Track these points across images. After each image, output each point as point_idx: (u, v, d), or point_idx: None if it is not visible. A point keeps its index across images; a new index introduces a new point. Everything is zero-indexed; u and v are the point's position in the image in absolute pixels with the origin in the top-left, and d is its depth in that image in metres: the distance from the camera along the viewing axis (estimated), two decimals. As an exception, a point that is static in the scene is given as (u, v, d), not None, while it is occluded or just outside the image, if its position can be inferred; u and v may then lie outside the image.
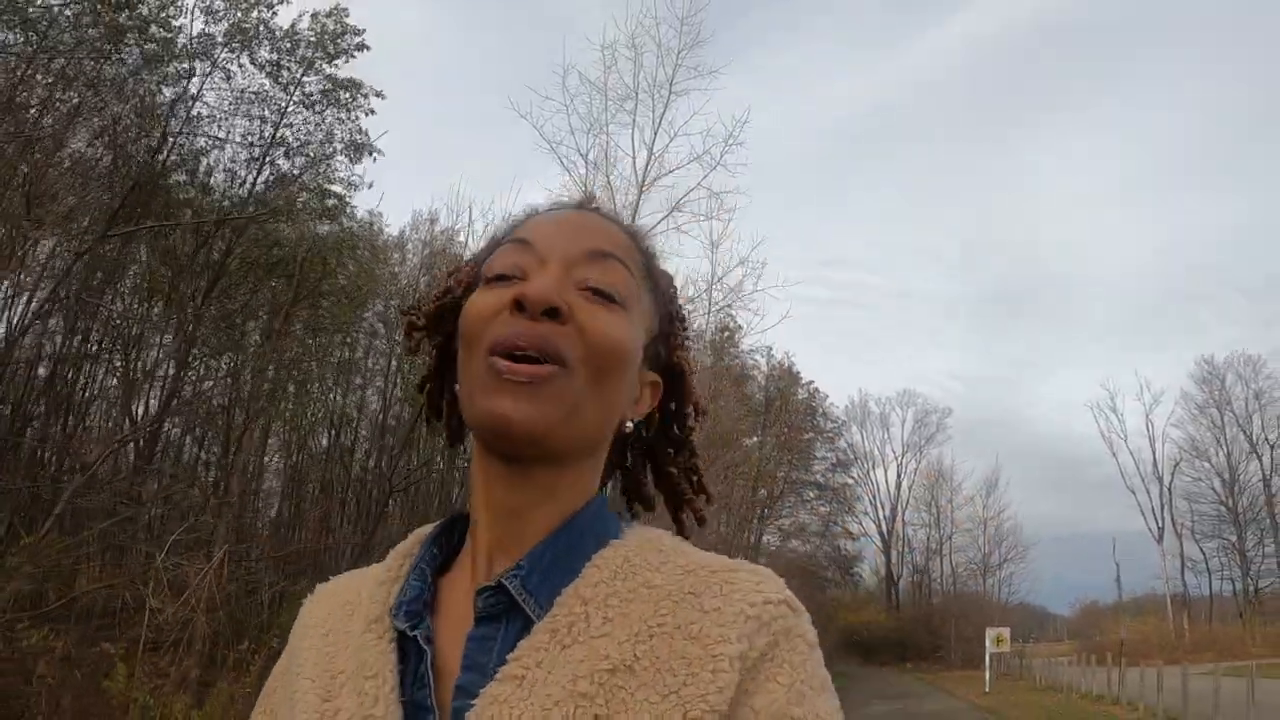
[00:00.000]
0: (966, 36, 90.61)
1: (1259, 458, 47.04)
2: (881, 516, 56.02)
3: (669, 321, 0.89)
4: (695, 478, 0.92)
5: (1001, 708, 21.56)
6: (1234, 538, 47.53)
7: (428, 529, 0.87)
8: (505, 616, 0.74)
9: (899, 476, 56.46)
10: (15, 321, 9.49)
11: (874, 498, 56.06)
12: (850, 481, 52.97)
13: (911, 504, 56.59)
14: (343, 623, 0.81)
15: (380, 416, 17.99)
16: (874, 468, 56.35)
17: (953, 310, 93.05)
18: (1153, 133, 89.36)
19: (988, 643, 30.69)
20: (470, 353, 0.78)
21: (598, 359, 0.76)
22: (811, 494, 46.53)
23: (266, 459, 13.40)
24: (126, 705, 6.33)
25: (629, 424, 0.84)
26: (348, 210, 15.21)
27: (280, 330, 11.38)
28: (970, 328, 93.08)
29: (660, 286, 0.88)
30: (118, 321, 12.26)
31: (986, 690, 27.31)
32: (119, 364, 12.60)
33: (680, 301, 0.93)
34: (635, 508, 0.93)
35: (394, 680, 0.73)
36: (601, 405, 0.78)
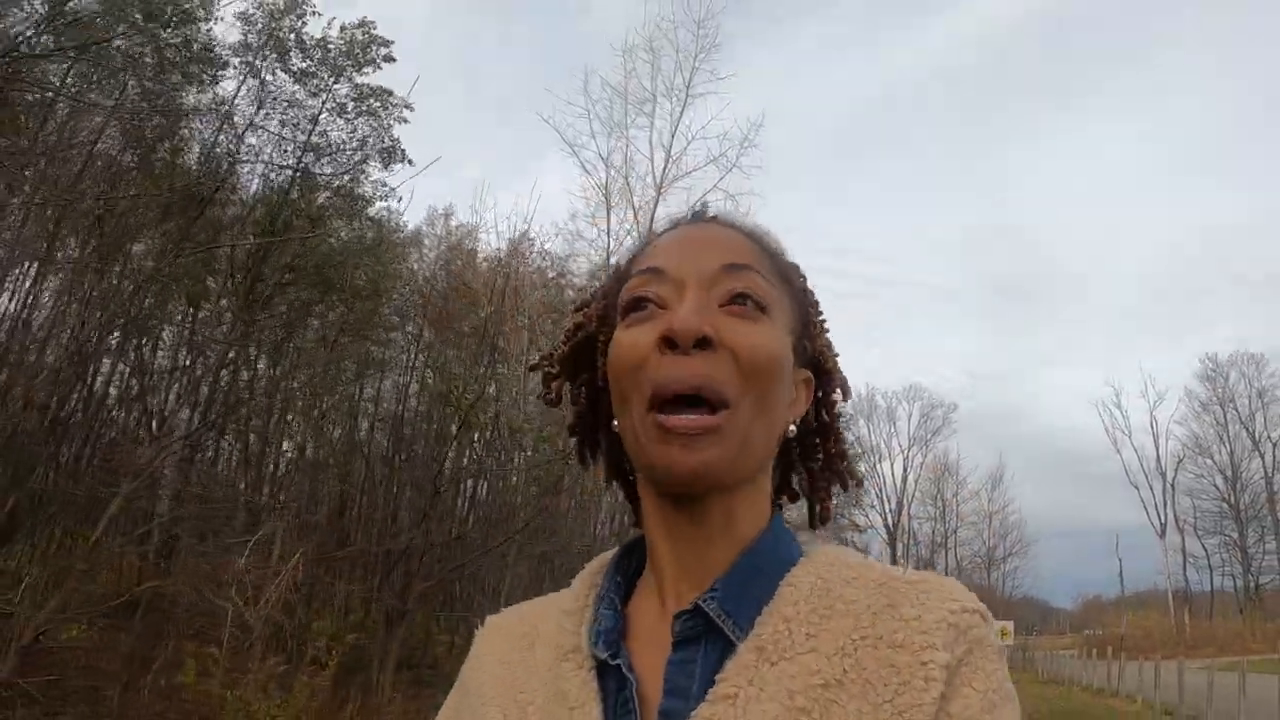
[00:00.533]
0: (975, 26, 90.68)
1: (1261, 455, 47.46)
2: (887, 510, 56.51)
3: (806, 310, 0.88)
4: (844, 462, 0.92)
5: (1004, 699, 22.09)
6: (1235, 534, 48.00)
7: (607, 557, 0.88)
8: (703, 639, 0.74)
9: (905, 470, 56.98)
10: (73, 335, 10.03)
11: (880, 491, 56.55)
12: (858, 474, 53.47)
13: (917, 497, 57.15)
14: (521, 654, 0.82)
15: (406, 414, 18.51)
16: (880, 461, 56.91)
17: (959, 304, 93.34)
18: (1159, 126, 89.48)
19: (991, 636, 31.23)
20: (627, 401, 0.78)
21: (755, 378, 0.76)
22: (818, 488, 47.09)
23: (303, 457, 13.95)
24: (213, 701, 6.81)
25: (792, 428, 0.84)
26: (375, 215, 15.73)
27: (333, 342, 11.91)
28: (977, 322, 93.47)
29: (794, 281, 0.88)
30: (142, 321, 12.79)
31: (989, 682, 27.84)
32: (136, 359, 13.14)
33: (811, 287, 0.92)
34: (782, 501, 0.92)
35: (599, 709, 0.73)
36: (767, 425, 0.78)
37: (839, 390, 0.90)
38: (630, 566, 0.86)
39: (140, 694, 7.08)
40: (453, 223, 22.93)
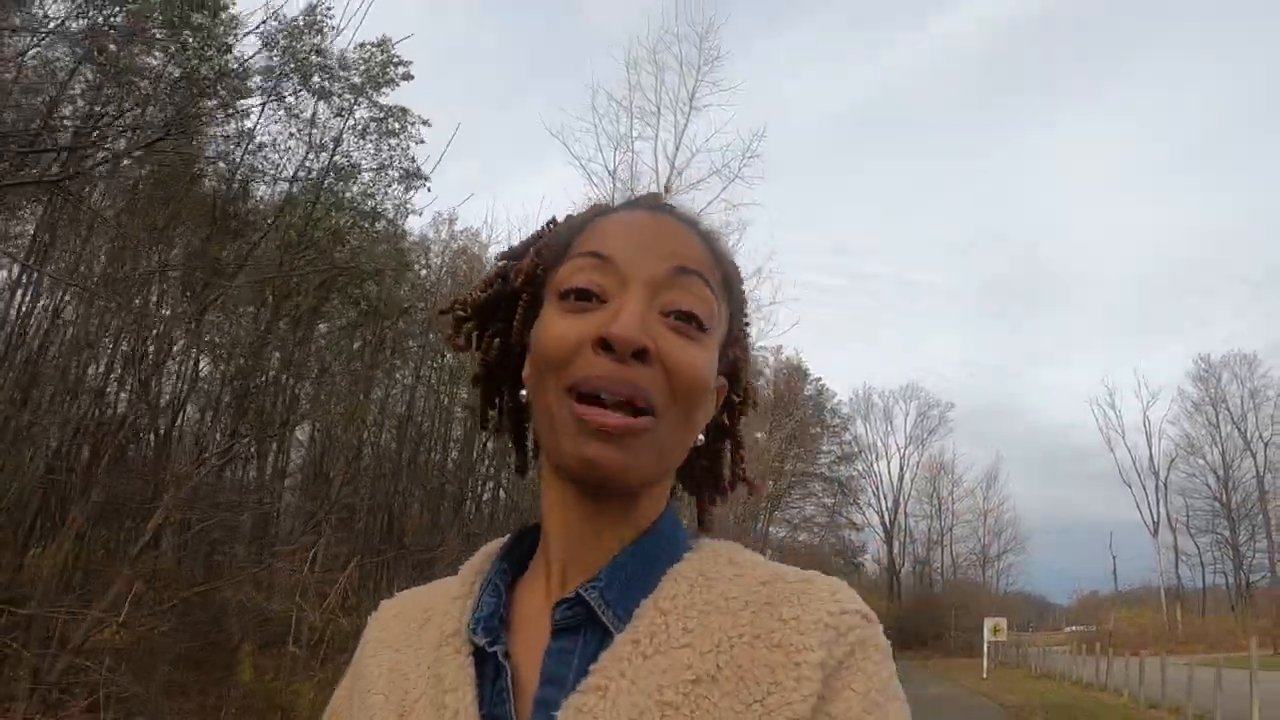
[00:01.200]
0: (974, 26, 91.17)
1: (1253, 455, 48.45)
2: (884, 508, 57.46)
3: (738, 318, 0.87)
4: (740, 465, 0.91)
5: (998, 693, 22.86)
6: (1227, 532, 48.85)
7: (496, 544, 0.87)
8: (584, 629, 0.74)
9: (901, 469, 57.98)
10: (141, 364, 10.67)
11: (877, 489, 57.52)
12: (855, 474, 54.29)
13: (914, 496, 58.12)
14: (412, 639, 0.82)
15: (417, 417, 19.15)
16: (877, 460, 57.76)
17: (957, 303, 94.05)
18: (1158, 126, 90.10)
19: (986, 632, 32.12)
20: (546, 384, 0.76)
21: (684, 398, 0.75)
22: (818, 487, 47.90)
23: (337, 465, 14.62)
24: (281, 700, 7.38)
25: (700, 437, 0.83)
26: (393, 233, 16.34)
27: (371, 363, 12.60)
28: (974, 321, 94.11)
29: (734, 288, 0.86)
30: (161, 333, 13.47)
31: (984, 677, 28.75)
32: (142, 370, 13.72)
33: (744, 286, 0.89)
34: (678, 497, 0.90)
35: (473, 694, 0.73)
36: (686, 437, 0.79)
37: (745, 397, 0.90)
38: (520, 553, 0.85)
39: (200, 695, 7.66)
40: (456, 227, 23.45)
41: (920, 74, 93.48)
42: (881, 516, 57.19)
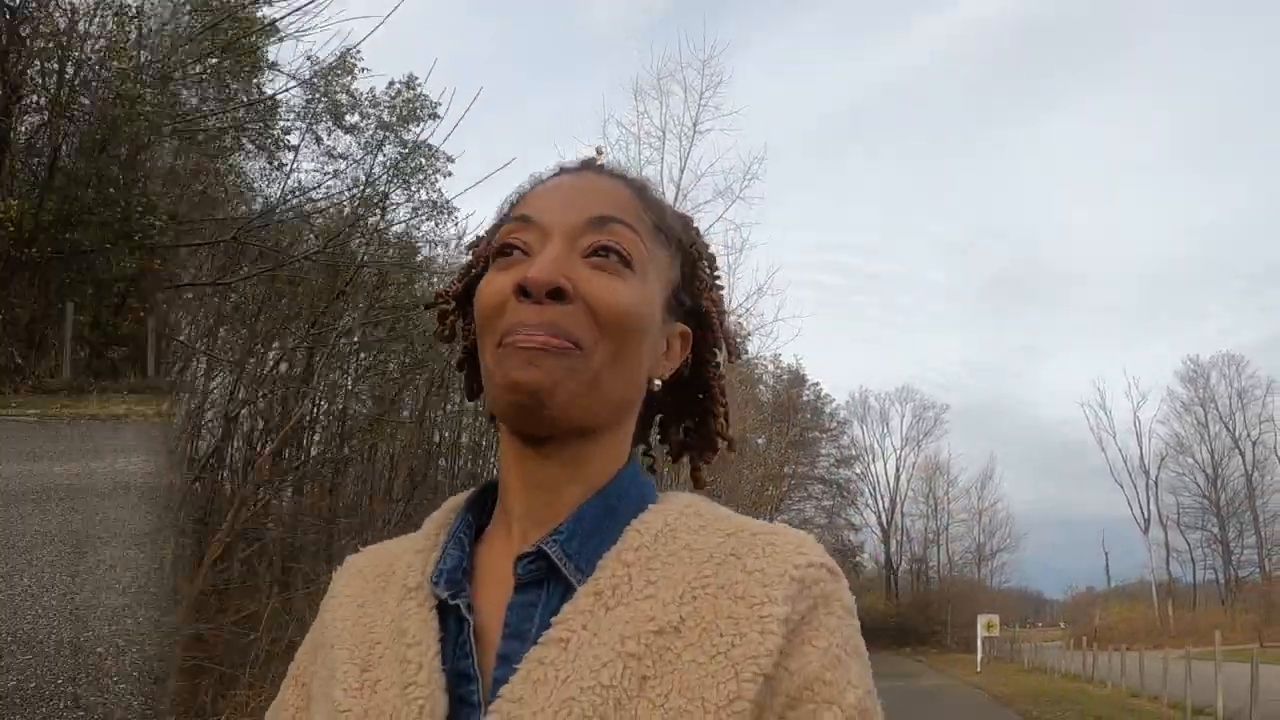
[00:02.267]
0: (973, 25, 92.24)
1: (1241, 454, 49.72)
2: (881, 508, 58.67)
3: (691, 265, 0.87)
4: (718, 421, 0.89)
5: (990, 685, 24.14)
6: (1217, 529, 50.11)
7: (461, 497, 0.87)
8: (546, 582, 0.74)
9: (898, 470, 59.16)
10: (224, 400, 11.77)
11: (874, 490, 58.72)
12: (853, 476, 55.44)
13: (910, 496, 59.30)
14: (377, 594, 0.82)
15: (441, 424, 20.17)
16: (874, 461, 58.94)
17: (956, 302, 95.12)
18: (1155, 125, 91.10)
19: (979, 628, 33.44)
20: (484, 342, 0.78)
21: (612, 331, 0.75)
22: (817, 489, 49.02)
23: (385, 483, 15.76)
24: None
25: (656, 382, 0.82)
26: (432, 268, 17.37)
27: (435, 392, 13.79)
28: (971, 319, 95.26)
29: (675, 233, 0.85)
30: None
31: (978, 670, 30.08)
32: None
33: (705, 241, 0.90)
34: (653, 459, 0.92)
35: (436, 648, 0.73)
36: (623, 374, 0.78)
37: (723, 348, 0.90)
38: (485, 508, 0.84)
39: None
40: (465, 240, 24.22)
41: (920, 74, 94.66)
42: (879, 516, 58.46)
